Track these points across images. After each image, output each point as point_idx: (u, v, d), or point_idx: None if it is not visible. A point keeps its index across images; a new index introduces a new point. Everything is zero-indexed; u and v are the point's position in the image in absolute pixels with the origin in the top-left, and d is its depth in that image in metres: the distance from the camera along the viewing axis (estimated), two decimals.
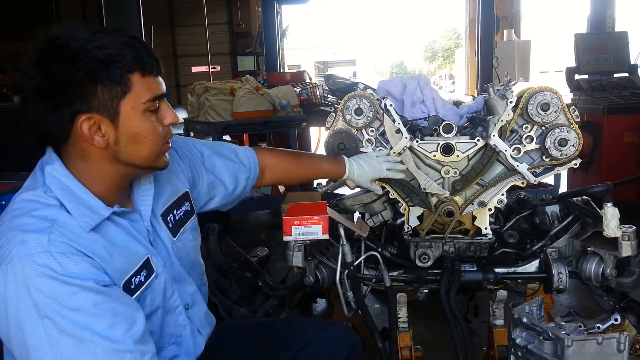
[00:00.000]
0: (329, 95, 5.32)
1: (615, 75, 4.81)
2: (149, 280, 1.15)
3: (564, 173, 4.71)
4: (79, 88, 1.02)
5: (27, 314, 0.96)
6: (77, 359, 0.96)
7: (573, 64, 4.90)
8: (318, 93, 5.43)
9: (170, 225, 1.28)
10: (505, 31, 10.08)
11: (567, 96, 4.93)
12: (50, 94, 1.02)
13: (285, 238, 1.59)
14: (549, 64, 17.46)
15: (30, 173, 1.14)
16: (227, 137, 5.43)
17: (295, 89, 5.06)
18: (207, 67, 11.10)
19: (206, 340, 1.36)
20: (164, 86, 1.13)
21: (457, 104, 1.88)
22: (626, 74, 4.83)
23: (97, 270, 1.02)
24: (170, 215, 1.29)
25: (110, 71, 1.03)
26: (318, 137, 6.23)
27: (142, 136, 1.10)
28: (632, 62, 5.06)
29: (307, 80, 5.86)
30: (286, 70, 11.07)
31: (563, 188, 4.55)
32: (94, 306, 0.98)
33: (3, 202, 2.15)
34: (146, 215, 1.21)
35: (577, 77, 4.83)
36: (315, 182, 5.35)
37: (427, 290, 2.84)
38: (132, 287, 1.11)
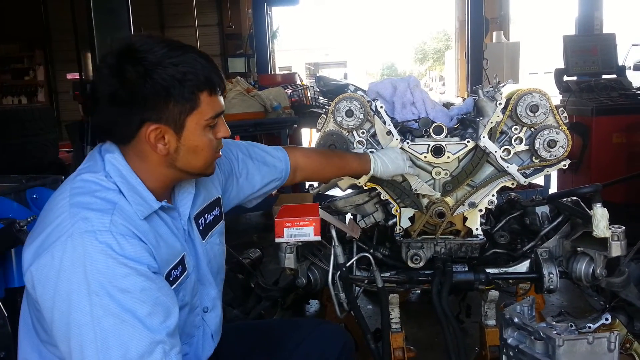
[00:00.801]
0: (320, 97, 5.32)
1: (604, 76, 4.85)
2: (183, 276, 1.20)
3: (554, 174, 4.73)
4: (153, 100, 1.08)
5: (77, 287, 0.99)
6: (115, 339, 0.99)
7: (562, 65, 4.93)
8: (309, 94, 5.43)
9: (201, 228, 1.32)
10: (494, 33, 10.13)
11: (556, 98, 4.97)
12: (125, 101, 1.08)
13: (277, 240, 1.59)
14: (538, 65, 17.55)
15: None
16: None
17: (286, 90, 5.05)
18: None
19: (215, 348, 1.37)
20: (223, 103, 1.21)
21: (447, 105, 1.88)
22: (614, 76, 4.86)
23: (150, 255, 1.07)
24: (202, 218, 1.34)
25: (183, 88, 1.09)
26: (309, 139, 6.23)
27: (200, 149, 1.17)
28: (619, 63, 5.10)
29: (298, 81, 5.86)
30: (277, 71, 11.06)
31: (553, 189, 4.58)
32: (140, 291, 1.02)
33: None
34: (184, 215, 1.26)
35: (565, 78, 4.86)
36: (307, 183, 5.36)
37: (419, 291, 2.85)
38: (171, 279, 1.15)
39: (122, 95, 1.08)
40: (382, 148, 1.68)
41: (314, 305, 3.07)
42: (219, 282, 1.39)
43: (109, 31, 3.90)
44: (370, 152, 1.67)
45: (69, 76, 10.28)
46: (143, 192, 1.13)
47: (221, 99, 1.19)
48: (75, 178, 1.13)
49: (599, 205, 1.53)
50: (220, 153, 1.26)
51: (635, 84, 5.02)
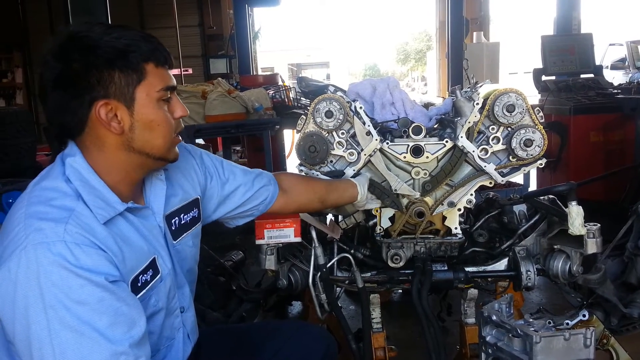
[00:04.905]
0: (302, 98, 5.32)
1: (582, 76, 4.91)
2: (154, 280, 1.17)
3: (533, 172, 4.79)
4: (97, 74, 1.06)
5: (33, 302, 0.97)
6: (73, 353, 0.97)
7: (540, 65, 4.99)
8: (291, 95, 5.42)
9: (173, 228, 1.30)
10: (474, 33, 10.22)
11: (535, 97, 5.02)
12: (70, 81, 1.06)
13: (258, 241, 1.59)
14: (518, 65, 17.75)
15: None
16: (200, 141, 5.38)
17: (268, 91, 5.04)
18: (179, 70, 11.01)
19: (192, 348, 1.35)
20: (174, 79, 1.19)
21: (427, 105, 1.90)
22: (591, 75, 4.94)
23: (110, 263, 1.03)
24: (176, 218, 1.31)
25: (127, 59, 1.08)
26: (292, 140, 6.22)
27: (156, 124, 1.14)
28: (597, 63, 5.18)
29: (280, 82, 5.85)
30: (259, 72, 11.03)
31: (533, 187, 4.63)
32: (98, 302, 0.99)
33: None
34: (159, 212, 1.24)
35: (544, 78, 4.92)
36: None
37: (401, 291, 2.86)
38: (139, 284, 1.12)
39: (67, 76, 1.06)
40: (362, 149, 1.68)
41: (296, 307, 3.07)
42: (190, 281, 1.37)
43: None
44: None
45: None
46: (106, 194, 1.10)
47: (171, 74, 1.17)
48: (34, 187, 1.10)
49: (574, 203, 1.55)
50: (180, 138, 1.23)
51: (613, 83, 5.11)
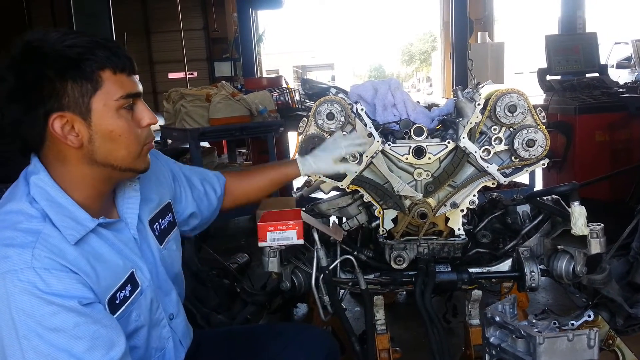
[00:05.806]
0: (306, 100, 5.33)
1: (586, 75, 4.90)
2: (134, 295, 1.14)
3: (539, 172, 4.77)
4: (49, 86, 1.01)
5: (7, 333, 0.95)
6: None
7: (545, 65, 4.97)
8: (295, 97, 5.43)
9: (157, 233, 1.27)
10: (479, 34, 10.19)
11: (540, 97, 5.01)
12: (22, 94, 1.02)
13: (261, 244, 1.59)
14: (523, 65, 17.71)
15: None
16: (205, 144, 5.40)
17: (272, 93, 5.05)
18: (184, 73, 11.07)
19: (186, 352, 1.35)
20: (139, 86, 1.12)
21: (431, 106, 1.90)
22: (596, 74, 4.92)
23: (83, 286, 1.00)
24: (157, 223, 1.28)
25: (80, 68, 1.02)
26: (296, 142, 6.23)
27: (117, 134, 1.08)
28: (603, 62, 5.16)
29: (284, 85, 5.86)
30: (264, 75, 11.05)
31: (539, 187, 4.61)
32: (74, 328, 0.97)
33: None
34: (132, 224, 1.20)
35: (549, 77, 4.91)
36: (295, 186, 5.35)
37: (406, 293, 2.86)
38: (117, 302, 1.09)
39: (19, 89, 1.01)
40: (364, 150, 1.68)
41: (302, 309, 3.06)
42: (177, 284, 1.36)
43: None
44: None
45: None
46: (75, 212, 1.06)
47: (134, 79, 1.11)
48: None
49: (576, 203, 1.54)
50: (153, 144, 1.18)
51: (618, 82, 5.09)
